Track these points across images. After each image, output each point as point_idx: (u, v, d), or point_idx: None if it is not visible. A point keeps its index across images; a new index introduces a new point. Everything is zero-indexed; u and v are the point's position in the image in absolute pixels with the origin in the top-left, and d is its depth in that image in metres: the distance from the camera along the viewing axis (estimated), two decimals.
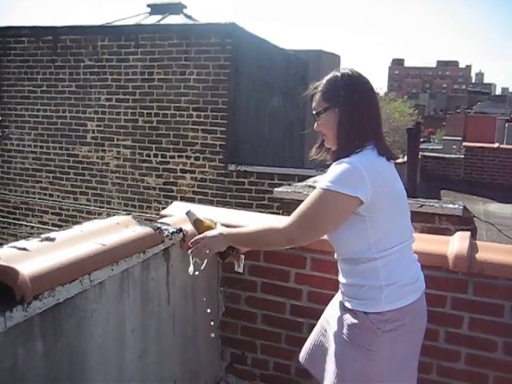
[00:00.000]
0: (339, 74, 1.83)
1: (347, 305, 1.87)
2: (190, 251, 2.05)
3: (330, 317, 2.00)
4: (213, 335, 2.62)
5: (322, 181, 1.76)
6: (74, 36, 7.15)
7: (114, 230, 2.07)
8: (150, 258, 2.16)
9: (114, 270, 1.92)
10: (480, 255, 2.18)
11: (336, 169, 1.73)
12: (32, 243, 1.74)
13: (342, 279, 1.93)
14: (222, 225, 2.40)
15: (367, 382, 1.81)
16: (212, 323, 2.61)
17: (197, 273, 2.12)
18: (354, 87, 1.80)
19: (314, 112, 1.87)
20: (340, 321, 1.90)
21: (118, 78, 6.90)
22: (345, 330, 1.85)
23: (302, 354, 2.13)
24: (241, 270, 2.15)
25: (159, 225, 2.29)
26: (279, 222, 1.85)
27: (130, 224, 2.17)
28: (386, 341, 1.79)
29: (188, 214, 2.13)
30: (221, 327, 2.75)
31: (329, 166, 1.85)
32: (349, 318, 1.85)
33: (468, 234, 2.35)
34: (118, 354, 2.03)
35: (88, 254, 1.79)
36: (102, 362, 1.92)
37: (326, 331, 2.02)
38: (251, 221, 2.57)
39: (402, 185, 1.88)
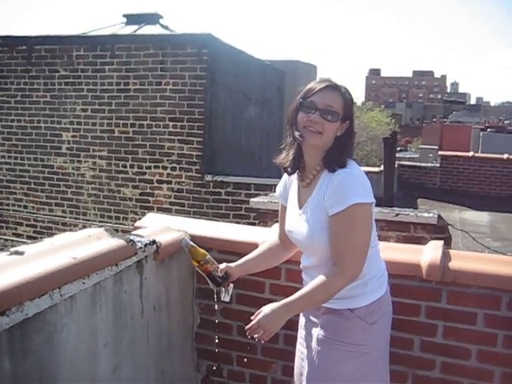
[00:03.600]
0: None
1: (328, 306, 1.90)
2: (252, 336, 1.86)
3: (305, 336, 2.02)
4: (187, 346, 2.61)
5: (345, 199, 1.75)
6: (48, 46, 7.09)
7: (85, 242, 2.04)
8: (123, 271, 2.13)
9: (85, 283, 1.89)
10: (453, 264, 2.20)
11: (354, 181, 1.78)
12: (0, 257, 1.71)
13: None
14: (197, 237, 2.40)
15: (363, 378, 1.87)
16: (187, 335, 2.59)
17: (227, 299, 2.14)
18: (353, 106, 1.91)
19: (331, 109, 1.82)
20: (319, 328, 1.93)
21: (94, 88, 6.85)
22: (329, 334, 1.89)
23: None
24: (227, 300, 2.14)
25: (132, 237, 2.26)
26: (335, 268, 1.81)
27: (102, 236, 2.14)
28: (373, 332, 1.87)
29: (182, 241, 2.12)
30: (196, 339, 2.72)
31: None
32: (334, 320, 1.89)
33: (441, 242, 2.36)
34: (91, 369, 1.99)
35: (58, 268, 1.76)
36: (74, 378, 1.88)
37: (303, 354, 2.03)
38: (230, 233, 2.56)
39: None
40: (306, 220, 1.89)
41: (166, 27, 7.97)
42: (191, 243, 2.12)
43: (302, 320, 2.08)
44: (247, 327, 1.83)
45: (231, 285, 2.12)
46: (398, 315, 2.29)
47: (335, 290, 1.81)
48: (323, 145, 1.84)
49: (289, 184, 2.04)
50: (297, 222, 1.94)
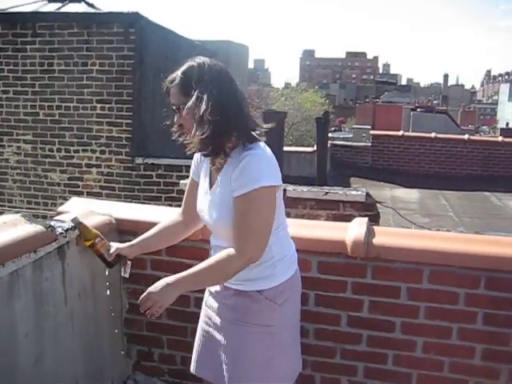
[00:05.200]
0: (196, 64, 1.79)
1: (237, 287, 1.90)
2: (144, 312, 1.82)
3: (210, 313, 2.02)
4: (116, 331, 2.55)
5: (250, 182, 1.72)
6: None
7: None
8: (43, 258, 2.05)
9: (0, 272, 1.81)
10: (377, 240, 2.24)
11: (255, 164, 1.73)
12: None
13: None
14: (122, 220, 2.34)
15: (272, 358, 1.90)
16: (115, 321, 2.53)
17: (127, 275, 2.15)
18: (214, 75, 1.76)
19: (174, 107, 1.81)
20: (229, 309, 1.92)
21: (15, 68, 6.50)
22: (239, 316, 1.89)
23: (192, 365, 2.10)
24: (127, 276, 2.16)
25: (52, 222, 2.18)
26: (233, 249, 1.76)
27: (19, 223, 2.05)
28: (282, 312, 1.88)
29: (73, 220, 2.11)
30: (125, 324, 2.67)
31: None
32: (242, 302, 1.89)
33: (365, 219, 2.40)
34: (10, 362, 1.91)
35: None
36: None
37: (208, 332, 2.03)
38: (156, 215, 2.50)
39: None
40: (214, 201, 1.86)
41: (91, 5, 7.65)
42: (82, 222, 2.11)
43: (209, 300, 2.04)
44: (140, 299, 1.80)
45: (129, 262, 2.13)
46: (326, 292, 2.34)
47: (231, 270, 1.78)
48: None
49: (200, 163, 2.00)
50: (206, 202, 1.91)
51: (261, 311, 1.87)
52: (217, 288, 1.98)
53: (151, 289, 1.78)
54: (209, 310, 2.03)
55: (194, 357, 2.10)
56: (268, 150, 1.81)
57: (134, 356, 2.72)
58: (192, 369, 2.09)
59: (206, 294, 2.08)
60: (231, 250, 1.76)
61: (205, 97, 1.71)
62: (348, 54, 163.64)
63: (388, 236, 2.30)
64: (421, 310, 2.24)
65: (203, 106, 1.71)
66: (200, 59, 1.80)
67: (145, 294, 1.79)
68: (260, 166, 1.74)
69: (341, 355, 2.39)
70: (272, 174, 1.76)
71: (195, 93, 1.73)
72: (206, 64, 1.78)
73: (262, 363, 1.89)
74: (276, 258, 1.87)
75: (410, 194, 8.60)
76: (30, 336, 2.00)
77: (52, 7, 7.35)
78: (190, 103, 1.74)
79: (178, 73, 1.79)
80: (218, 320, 1.96)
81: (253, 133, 1.81)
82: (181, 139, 1.89)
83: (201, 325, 2.09)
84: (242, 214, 1.74)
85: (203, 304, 2.10)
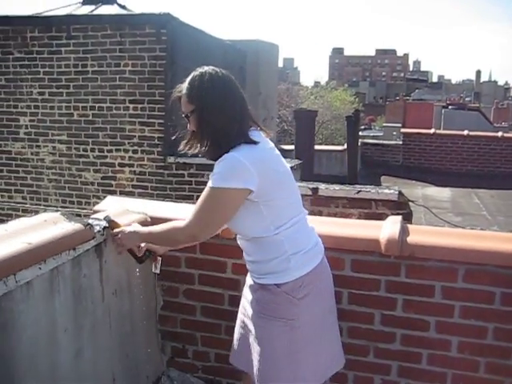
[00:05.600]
0: (199, 74, 1.91)
1: (259, 281, 1.99)
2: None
3: (245, 305, 2.10)
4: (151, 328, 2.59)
5: (211, 179, 1.85)
6: (0, 27, 6.82)
7: (40, 227, 2.01)
8: (82, 255, 2.10)
9: (41, 268, 1.86)
10: (411, 238, 2.24)
11: (222, 165, 1.83)
12: None
13: (248, 257, 2.04)
14: (156, 219, 2.40)
15: (296, 351, 1.94)
16: (150, 318, 2.58)
17: (158, 271, 2.36)
18: (216, 84, 1.88)
19: (183, 115, 1.94)
20: (255, 302, 2.01)
21: (51, 70, 6.63)
22: (262, 309, 1.97)
23: (231, 355, 2.22)
24: (158, 271, 2.35)
25: (90, 220, 2.23)
26: (183, 222, 1.96)
27: (59, 221, 2.10)
28: (303, 306, 1.92)
29: (105, 218, 2.26)
30: (160, 321, 2.72)
31: None
32: (263, 296, 1.97)
33: (399, 217, 2.40)
34: (51, 356, 1.97)
35: (12, 254, 1.73)
36: (33, 365, 1.86)
37: (244, 323, 2.11)
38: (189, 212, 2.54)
39: (285, 165, 2.00)
40: None
41: (123, 7, 7.75)
42: (113, 220, 2.25)
43: (245, 292, 2.14)
44: (112, 233, 2.20)
45: (159, 258, 2.30)
46: (359, 290, 2.34)
47: (175, 238, 2.05)
48: (206, 142, 1.97)
49: None
50: None
51: (280, 304, 1.92)
52: (250, 281, 2.07)
53: (125, 228, 2.18)
54: (244, 300, 2.12)
55: (233, 346, 2.19)
56: (252, 152, 1.86)
57: (168, 352, 2.76)
58: (230, 359, 2.21)
59: (245, 285, 2.17)
60: (181, 223, 1.94)
61: (205, 106, 1.87)
62: (377, 51, 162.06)
63: (422, 234, 2.29)
64: (456, 309, 2.23)
65: (204, 115, 1.87)
66: (203, 69, 1.92)
67: (119, 229, 2.18)
68: (226, 168, 1.83)
69: (374, 354, 2.39)
70: (235, 177, 1.82)
71: (197, 102, 1.88)
72: (207, 74, 1.90)
73: (286, 356, 1.94)
74: (290, 253, 1.91)
75: (442, 193, 8.51)
76: (69, 331, 2.05)
77: (85, 10, 7.47)
78: (193, 110, 1.90)
79: (186, 83, 1.92)
80: (249, 311, 2.04)
81: (253, 130, 1.94)
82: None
83: (239, 315, 2.17)
84: (200, 198, 1.90)
85: (242, 295, 2.19)
